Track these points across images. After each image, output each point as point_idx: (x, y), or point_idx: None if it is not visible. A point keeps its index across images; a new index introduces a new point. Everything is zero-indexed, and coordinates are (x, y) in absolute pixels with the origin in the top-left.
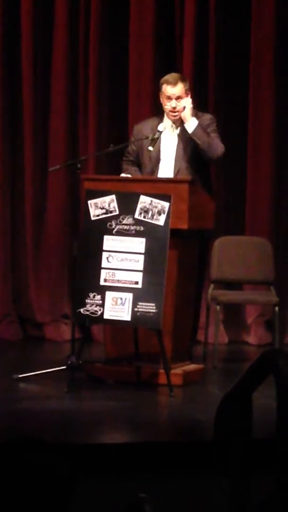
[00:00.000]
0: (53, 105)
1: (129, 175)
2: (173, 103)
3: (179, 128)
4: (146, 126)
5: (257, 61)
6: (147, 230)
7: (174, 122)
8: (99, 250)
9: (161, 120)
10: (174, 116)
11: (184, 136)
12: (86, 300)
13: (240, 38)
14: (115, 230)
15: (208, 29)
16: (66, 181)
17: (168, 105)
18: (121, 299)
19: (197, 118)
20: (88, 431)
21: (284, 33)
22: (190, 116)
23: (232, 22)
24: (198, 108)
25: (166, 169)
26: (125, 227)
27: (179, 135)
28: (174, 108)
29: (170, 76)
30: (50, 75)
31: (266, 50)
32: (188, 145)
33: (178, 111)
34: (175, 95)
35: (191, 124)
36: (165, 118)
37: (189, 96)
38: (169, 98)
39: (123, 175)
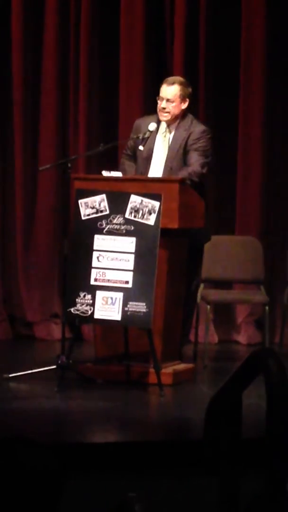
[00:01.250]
0: (43, 104)
1: (119, 174)
2: (163, 103)
3: (173, 131)
4: (145, 122)
5: (247, 61)
6: (137, 230)
7: (167, 124)
8: (90, 249)
9: (159, 119)
10: (164, 116)
11: (177, 139)
12: (77, 300)
13: (230, 39)
14: (105, 229)
15: (198, 30)
16: (56, 181)
17: (158, 105)
18: (111, 298)
19: (191, 126)
20: (78, 431)
21: (274, 33)
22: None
23: (223, 23)
24: (192, 112)
25: (157, 169)
26: (116, 226)
27: (172, 137)
28: (164, 108)
29: (171, 77)
30: (40, 74)
31: (256, 50)
32: (181, 147)
33: (167, 112)
34: (166, 96)
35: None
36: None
37: (186, 103)
38: (162, 98)
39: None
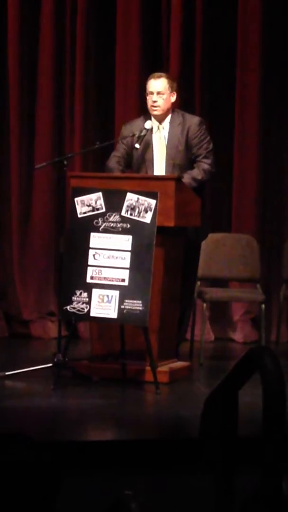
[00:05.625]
0: (40, 102)
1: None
2: (154, 97)
3: (166, 127)
4: (134, 125)
5: (244, 61)
6: (133, 228)
7: (158, 120)
8: (86, 247)
9: (149, 119)
10: (155, 110)
11: (173, 134)
12: (73, 298)
13: (226, 38)
14: (101, 227)
15: (194, 29)
16: (52, 179)
17: (149, 100)
18: (107, 296)
19: (184, 120)
20: (74, 429)
21: (270, 27)
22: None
23: (219, 21)
24: (185, 108)
25: (159, 167)
26: (112, 224)
27: (168, 134)
28: (155, 102)
29: (155, 73)
30: (36, 73)
31: (252, 47)
32: (181, 143)
33: (158, 106)
34: (157, 89)
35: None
36: (153, 119)
37: (175, 95)
38: (151, 93)
39: None
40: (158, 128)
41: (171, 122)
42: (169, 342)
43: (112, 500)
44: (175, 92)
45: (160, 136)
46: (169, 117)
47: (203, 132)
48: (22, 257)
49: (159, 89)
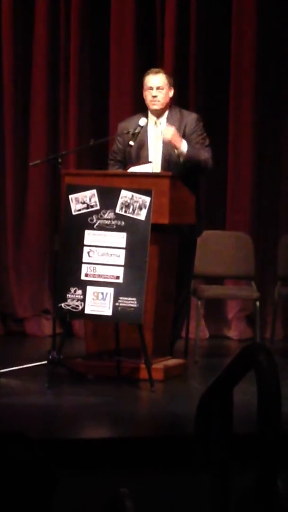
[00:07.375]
0: (34, 99)
1: None
2: (153, 92)
3: (163, 123)
4: (130, 123)
5: (238, 59)
6: (128, 225)
7: (156, 115)
8: (80, 244)
9: (145, 116)
10: (155, 104)
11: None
12: (67, 295)
13: (221, 36)
14: (96, 224)
15: (189, 28)
16: (47, 176)
17: (148, 95)
18: (102, 294)
19: (182, 116)
20: (69, 426)
21: (264, 29)
22: (179, 142)
23: (213, 20)
24: (180, 105)
25: (155, 163)
26: (106, 221)
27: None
28: (155, 97)
29: (153, 68)
30: (31, 69)
31: (247, 47)
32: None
33: (158, 100)
34: (156, 84)
35: (183, 149)
36: (150, 115)
37: (172, 91)
38: (150, 88)
39: None
40: (156, 123)
41: (168, 118)
42: (163, 339)
43: (107, 498)
44: (172, 88)
45: (157, 132)
46: (166, 113)
47: (200, 128)
48: (16, 254)
49: (158, 84)
